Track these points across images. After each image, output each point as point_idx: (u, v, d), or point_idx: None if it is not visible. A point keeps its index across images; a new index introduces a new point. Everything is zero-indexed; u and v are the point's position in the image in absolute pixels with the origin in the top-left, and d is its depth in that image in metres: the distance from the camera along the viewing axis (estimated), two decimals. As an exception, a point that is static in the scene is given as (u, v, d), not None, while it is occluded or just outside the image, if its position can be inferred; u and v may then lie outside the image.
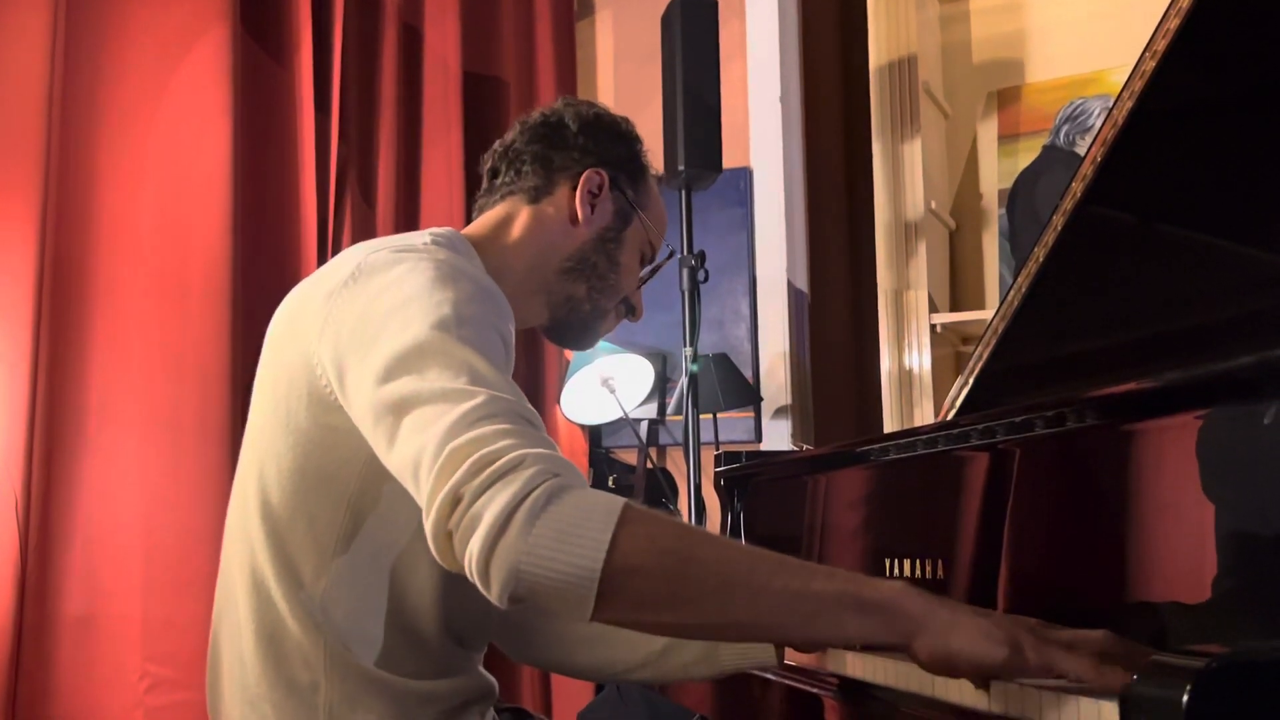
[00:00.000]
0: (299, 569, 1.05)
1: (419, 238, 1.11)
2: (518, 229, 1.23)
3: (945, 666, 0.84)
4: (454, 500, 0.84)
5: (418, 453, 0.88)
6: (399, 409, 0.91)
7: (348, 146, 2.52)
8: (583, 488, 0.85)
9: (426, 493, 0.86)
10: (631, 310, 1.31)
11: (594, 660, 1.25)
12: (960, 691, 0.92)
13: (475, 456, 0.84)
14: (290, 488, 1.05)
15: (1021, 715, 0.84)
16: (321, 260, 2.37)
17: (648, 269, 1.31)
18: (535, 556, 0.81)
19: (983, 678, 0.86)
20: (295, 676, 1.04)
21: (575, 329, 1.27)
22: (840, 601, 0.85)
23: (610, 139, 1.27)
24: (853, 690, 1.11)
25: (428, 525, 0.86)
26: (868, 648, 1.07)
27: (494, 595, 0.83)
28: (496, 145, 1.29)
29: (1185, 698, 0.63)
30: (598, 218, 1.25)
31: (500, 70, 2.95)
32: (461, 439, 0.85)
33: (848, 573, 0.89)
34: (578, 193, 1.23)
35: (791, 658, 1.22)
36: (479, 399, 0.88)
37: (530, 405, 0.93)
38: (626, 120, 1.30)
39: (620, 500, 0.85)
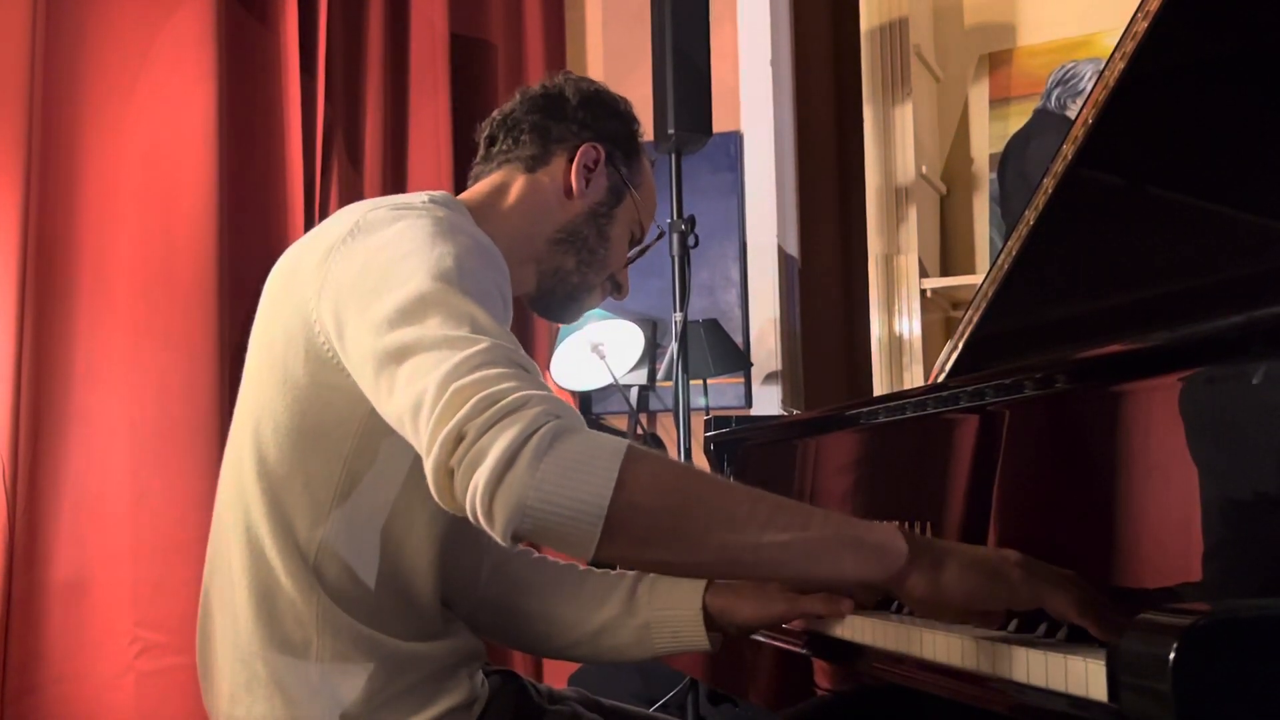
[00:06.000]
0: (294, 526, 1.05)
1: (417, 197, 1.12)
2: (512, 196, 1.24)
3: (936, 601, 0.89)
4: (457, 437, 0.84)
5: (419, 395, 0.87)
6: (400, 356, 0.91)
7: (334, 109, 2.50)
8: (586, 428, 0.86)
9: (428, 432, 0.86)
10: (618, 288, 1.32)
11: (534, 635, 1.27)
12: (947, 651, 0.92)
13: (479, 396, 0.84)
14: (287, 445, 1.05)
15: (1008, 674, 0.84)
16: (309, 224, 2.36)
17: (636, 249, 1.33)
18: (542, 492, 0.81)
19: (973, 611, 0.90)
20: (288, 634, 1.05)
21: (560, 301, 1.28)
22: (839, 541, 0.88)
23: (608, 115, 1.28)
24: (841, 650, 1.12)
25: (428, 464, 0.85)
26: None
27: (498, 531, 0.83)
28: (495, 114, 1.29)
29: (1172, 654, 0.63)
30: (591, 192, 1.25)
31: (488, 33, 2.92)
32: (465, 380, 0.86)
33: (843, 515, 0.93)
34: (574, 165, 1.24)
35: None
36: (482, 344, 0.89)
37: (529, 357, 0.93)
38: (625, 101, 1.31)
39: (624, 440, 0.86)
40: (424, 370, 0.88)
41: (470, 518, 0.85)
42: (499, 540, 0.84)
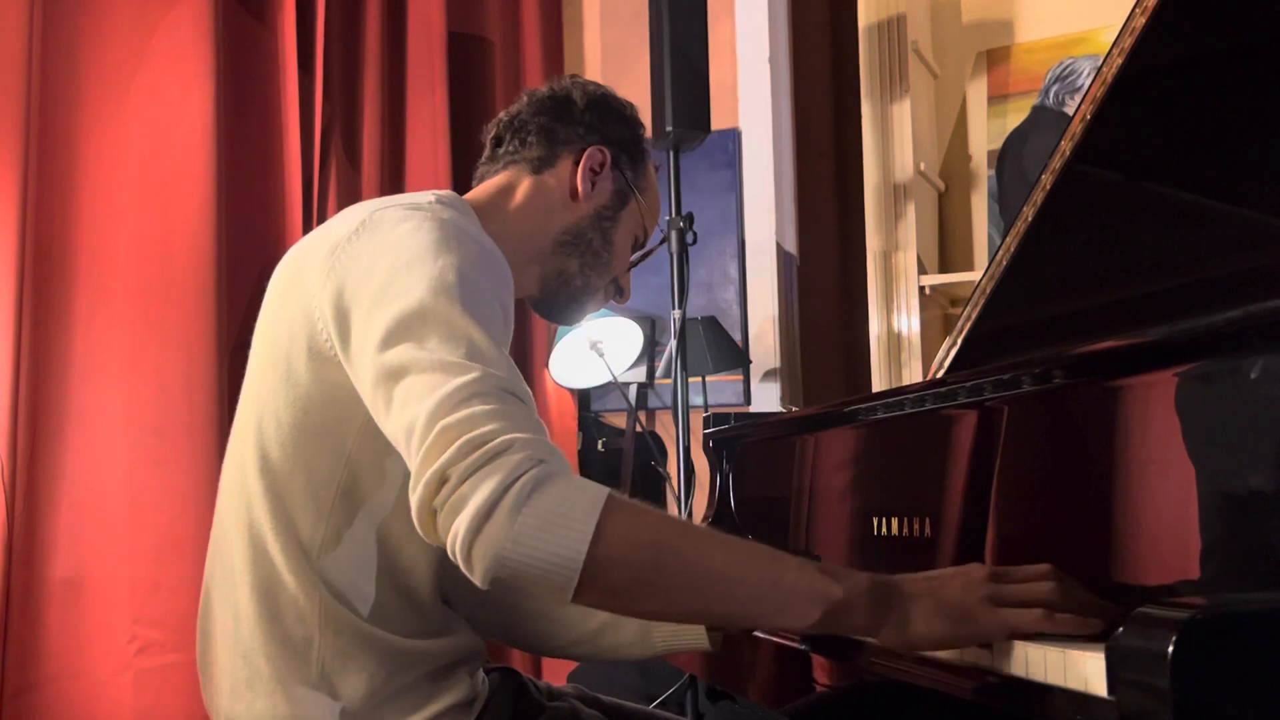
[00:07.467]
0: (296, 523, 1.06)
1: (424, 197, 1.12)
2: (519, 197, 1.25)
3: (909, 652, 0.93)
4: (440, 480, 0.86)
5: (410, 424, 0.89)
6: (396, 375, 0.93)
7: (332, 107, 2.50)
8: (568, 475, 0.87)
9: (415, 469, 0.88)
10: (620, 291, 1.33)
11: (534, 634, 1.28)
12: (946, 647, 0.92)
13: (464, 439, 0.86)
14: (289, 442, 1.06)
15: (1007, 669, 0.84)
16: (307, 221, 2.36)
17: (639, 253, 1.33)
18: (519, 544, 0.84)
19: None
20: (289, 630, 1.05)
21: (563, 303, 1.29)
22: (810, 597, 0.90)
23: (615, 120, 1.29)
24: (839, 646, 1.12)
25: (413, 500, 0.88)
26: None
27: (476, 577, 0.86)
28: (502, 115, 1.30)
29: (1170, 648, 0.64)
30: (597, 195, 1.26)
31: (485, 30, 2.92)
32: (452, 418, 0.87)
33: (817, 566, 0.93)
34: (580, 168, 1.25)
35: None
36: (473, 374, 0.90)
37: (523, 380, 0.94)
38: (632, 105, 1.32)
39: (604, 490, 0.88)
40: (416, 396, 0.90)
41: (451, 558, 0.87)
42: (478, 585, 0.86)
